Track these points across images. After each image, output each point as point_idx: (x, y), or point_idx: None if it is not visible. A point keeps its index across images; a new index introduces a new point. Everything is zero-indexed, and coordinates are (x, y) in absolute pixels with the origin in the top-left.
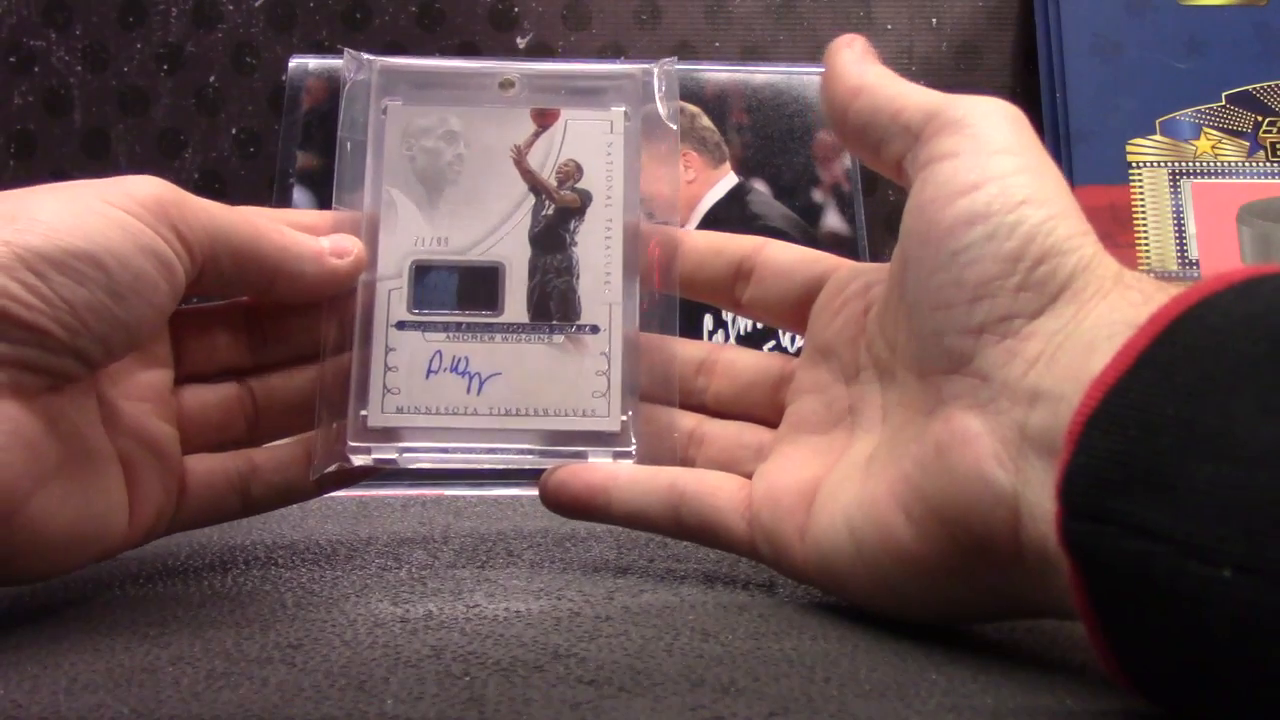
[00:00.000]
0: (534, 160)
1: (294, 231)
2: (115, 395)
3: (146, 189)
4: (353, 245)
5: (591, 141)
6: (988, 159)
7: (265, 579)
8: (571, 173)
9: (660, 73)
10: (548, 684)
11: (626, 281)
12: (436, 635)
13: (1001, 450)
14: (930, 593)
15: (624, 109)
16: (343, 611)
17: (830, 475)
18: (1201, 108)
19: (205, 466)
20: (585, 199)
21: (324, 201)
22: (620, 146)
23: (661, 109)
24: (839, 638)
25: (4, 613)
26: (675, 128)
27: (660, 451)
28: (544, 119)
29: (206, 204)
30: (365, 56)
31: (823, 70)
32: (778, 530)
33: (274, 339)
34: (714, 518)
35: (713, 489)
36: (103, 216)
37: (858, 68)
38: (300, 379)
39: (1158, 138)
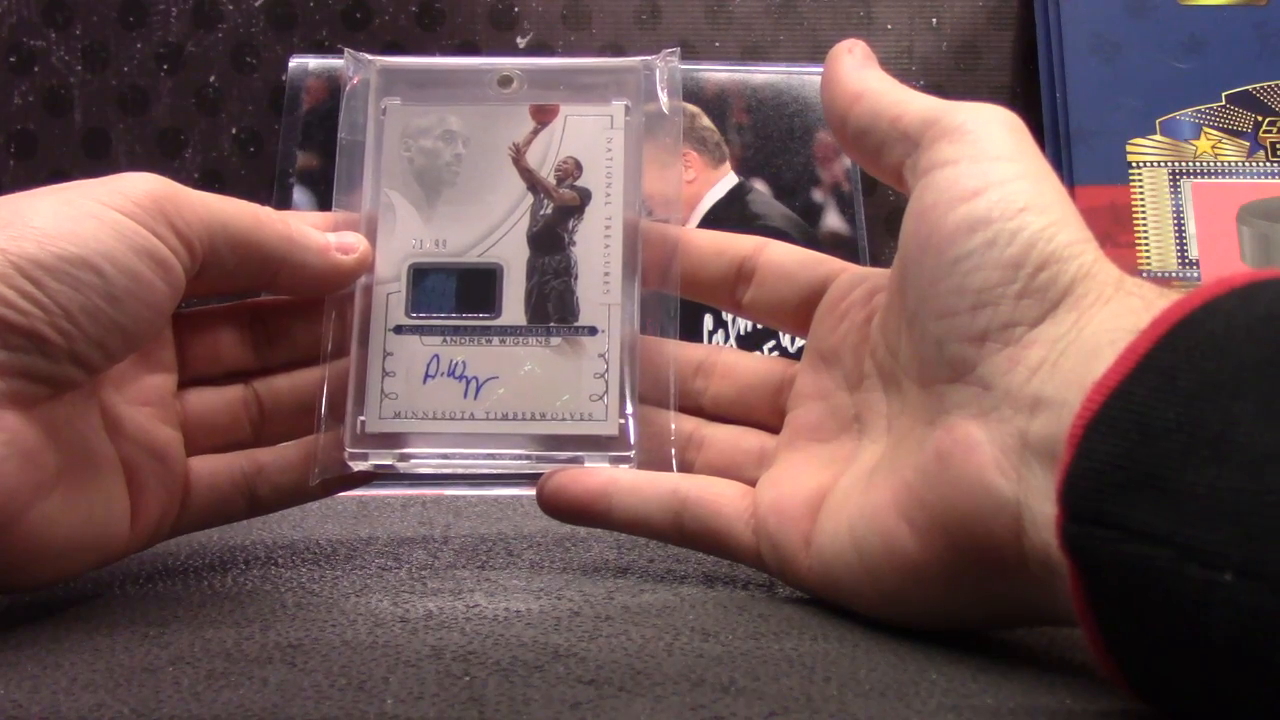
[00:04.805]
0: (533, 158)
1: (298, 223)
2: (117, 401)
3: (141, 187)
4: (358, 242)
5: (591, 137)
6: (988, 166)
7: (265, 579)
8: (571, 170)
9: (662, 65)
10: (548, 684)
11: (625, 282)
12: (436, 635)
13: (1003, 458)
14: (934, 602)
15: (625, 103)
16: (343, 611)
17: (837, 485)
18: (1201, 108)
19: (210, 468)
20: (584, 197)
21: (324, 201)
22: (621, 142)
23: (664, 102)
24: (839, 638)
25: (4, 613)
26: (678, 121)
27: (658, 455)
28: (543, 115)
29: (203, 196)
30: (365, 56)
31: (823, 74)
32: (783, 540)
33: (279, 340)
34: (718, 525)
35: (716, 496)
36: (97, 219)
37: (858, 74)
38: (306, 380)
39: (1158, 138)
